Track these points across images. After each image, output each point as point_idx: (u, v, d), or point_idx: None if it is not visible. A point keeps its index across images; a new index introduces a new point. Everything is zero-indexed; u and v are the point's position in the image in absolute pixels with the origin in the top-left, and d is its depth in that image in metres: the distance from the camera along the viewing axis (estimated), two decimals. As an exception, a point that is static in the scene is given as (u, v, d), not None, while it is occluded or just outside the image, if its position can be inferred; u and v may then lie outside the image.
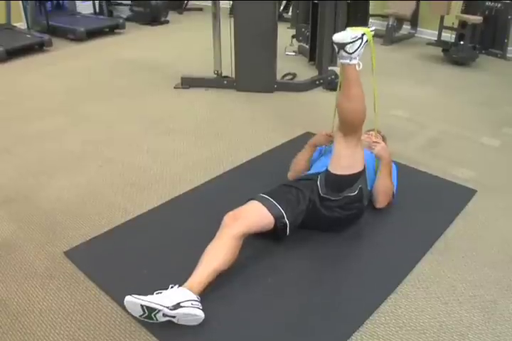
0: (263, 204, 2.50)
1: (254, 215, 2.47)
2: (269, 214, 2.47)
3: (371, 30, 2.52)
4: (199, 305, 2.10)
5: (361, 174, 2.60)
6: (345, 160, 2.57)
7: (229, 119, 4.33)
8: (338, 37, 2.44)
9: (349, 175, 2.57)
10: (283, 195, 2.60)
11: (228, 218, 2.42)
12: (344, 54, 2.43)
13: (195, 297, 2.12)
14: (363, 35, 2.46)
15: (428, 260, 2.60)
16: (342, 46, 2.41)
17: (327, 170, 2.63)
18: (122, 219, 2.90)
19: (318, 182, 2.64)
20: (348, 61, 2.45)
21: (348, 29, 2.50)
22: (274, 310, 2.25)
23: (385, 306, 2.30)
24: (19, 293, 2.35)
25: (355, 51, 2.43)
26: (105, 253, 2.61)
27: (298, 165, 3.10)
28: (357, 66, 2.46)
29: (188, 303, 2.07)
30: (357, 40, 2.43)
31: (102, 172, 3.44)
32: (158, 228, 2.82)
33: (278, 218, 2.49)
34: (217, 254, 2.27)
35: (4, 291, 2.36)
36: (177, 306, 2.05)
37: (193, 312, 2.07)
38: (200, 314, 2.08)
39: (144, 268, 2.47)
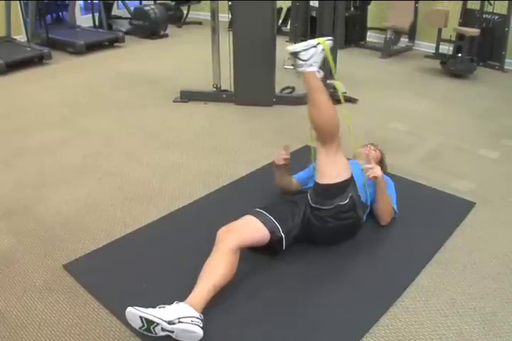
0: (257, 218, 2.51)
1: (247, 228, 2.49)
2: (264, 227, 2.49)
3: (326, 40, 2.67)
4: (199, 322, 2.09)
5: (349, 182, 2.61)
6: (328, 168, 2.59)
7: (228, 133, 4.34)
8: (292, 47, 2.63)
9: (336, 184, 2.57)
10: (278, 209, 2.63)
11: (222, 232, 2.43)
12: (300, 62, 2.59)
13: (197, 314, 2.11)
14: (317, 44, 2.62)
15: (428, 273, 2.60)
16: (295, 54, 2.60)
17: (315, 182, 2.65)
18: (121, 233, 2.90)
19: (309, 194, 2.66)
20: (304, 68, 2.60)
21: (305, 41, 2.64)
22: (273, 324, 2.24)
23: (385, 319, 2.29)
24: (18, 306, 2.34)
25: (309, 58, 2.57)
26: (104, 266, 2.61)
27: (280, 188, 3.14)
28: (317, 74, 2.59)
29: (188, 320, 2.06)
30: (310, 48, 2.59)
31: (101, 185, 3.45)
32: (157, 242, 2.82)
33: (273, 231, 2.50)
34: (216, 270, 2.27)
35: (3, 304, 2.35)
36: (176, 321, 2.05)
37: (191, 328, 2.05)
38: (199, 331, 2.07)
39: (143, 281, 2.47)
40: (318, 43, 2.62)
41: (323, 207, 2.60)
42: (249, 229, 2.49)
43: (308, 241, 2.70)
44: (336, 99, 5.00)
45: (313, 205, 2.62)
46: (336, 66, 2.70)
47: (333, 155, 2.58)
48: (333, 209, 2.59)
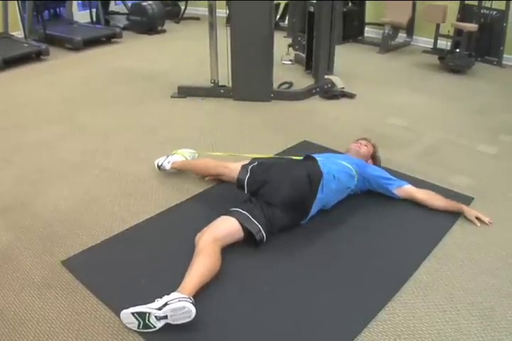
0: (226, 215, 2.70)
1: (219, 225, 2.66)
2: (231, 218, 2.65)
3: (180, 150, 3.60)
4: (188, 300, 2.13)
5: (249, 162, 3.09)
6: (233, 174, 3.04)
7: (226, 128, 4.34)
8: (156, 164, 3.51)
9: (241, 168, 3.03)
10: (241, 202, 2.81)
11: (197, 236, 2.58)
12: (162, 168, 3.49)
13: (184, 295, 2.16)
14: (173, 153, 3.55)
15: (426, 268, 2.60)
16: (158, 166, 3.49)
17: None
18: (120, 229, 2.89)
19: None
20: (168, 167, 3.46)
21: None
22: (271, 319, 2.24)
23: (383, 314, 2.30)
24: (16, 302, 2.34)
25: (163, 167, 3.48)
26: (103, 262, 2.61)
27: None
28: (179, 160, 3.47)
29: (175, 300, 2.12)
30: (165, 159, 3.49)
31: (99, 181, 3.44)
32: (155, 237, 2.82)
33: (238, 217, 2.65)
34: (200, 261, 2.39)
35: (1, 301, 2.35)
36: (164, 305, 2.11)
37: (180, 305, 2.10)
38: (189, 306, 2.10)
39: (141, 277, 2.47)
40: (174, 153, 3.54)
41: (246, 181, 2.93)
42: (221, 225, 2.65)
43: (294, 220, 2.83)
44: (334, 95, 5.06)
45: (247, 190, 2.93)
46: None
47: (226, 169, 3.13)
48: (251, 175, 2.94)
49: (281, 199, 2.74)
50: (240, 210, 2.69)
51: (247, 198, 2.85)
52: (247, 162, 3.10)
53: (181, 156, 3.51)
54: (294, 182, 2.79)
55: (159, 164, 3.47)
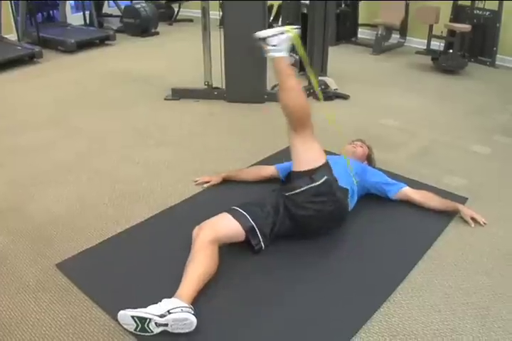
0: (229, 213, 2.58)
1: (221, 223, 2.55)
2: (234, 220, 2.54)
3: (294, 28, 2.69)
4: (190, 310, 2.12)
5: (325, 166, 2.63)
6: (304, 155, 2.64)
7: (219, 130, 4.33)
8: (261, 32, 2.67)
9: (313, 169, 2.59)
10: (250, 203, 2.68)
11: (195, 230, 2.53)
12: (269, 47, 2.65)
13: (185, 304, 2.13)
14: (285, 31, 2.65)
15: (420, 268, 2.60)
16: (264, 39, 2.64)
17: (291, 172, 2.71)
18: (114, 232, 2.89)
19: (280, 188, 2.79)
20: (273, 54, 2.66)
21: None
22: (267, 322, 2.24)
23: (378, 315, 2.30)
24: (11, 305, 2.33)
25: (278, 44, 2.63)
26: (97, 265, 2.60)
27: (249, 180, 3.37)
28: (286, 59, 2.69)
29: (178, 310, 2.09)
30: (278, 34, 2.63)
31: (92, 184, 3.44)
32: (150, 240, 2.82)
33: (243, 222, 2.54)
34: (197, 262, 2.33)
35: (-4, 304, 2.35)
36: (166, 313, 2.08)
37: (182, 316, 2.08)
38: (191, 318, 2.09)
39: (136, 280, 2.47)
40: (287, 30, 2.66)
41: (297, 190, 2.58)
42: (222, 223, 2.55)
43: (295, 233, 2.71)
44: (328, 96, 5.06)
45: (288, 195, 2.63)
46: (307, 57, 2.92)
47: (310, 142, 2.64)
48: (308, 191, 2.57)
49: (306, 223, 2.66)
50: (247, 216, 2.56)
51: (262, 199, 2.71)
52: (321, 163, 2.63)
53: (291, 36, 2.67)
54: (331, 218, 2.69)
55: (272, 43, 2.66)
